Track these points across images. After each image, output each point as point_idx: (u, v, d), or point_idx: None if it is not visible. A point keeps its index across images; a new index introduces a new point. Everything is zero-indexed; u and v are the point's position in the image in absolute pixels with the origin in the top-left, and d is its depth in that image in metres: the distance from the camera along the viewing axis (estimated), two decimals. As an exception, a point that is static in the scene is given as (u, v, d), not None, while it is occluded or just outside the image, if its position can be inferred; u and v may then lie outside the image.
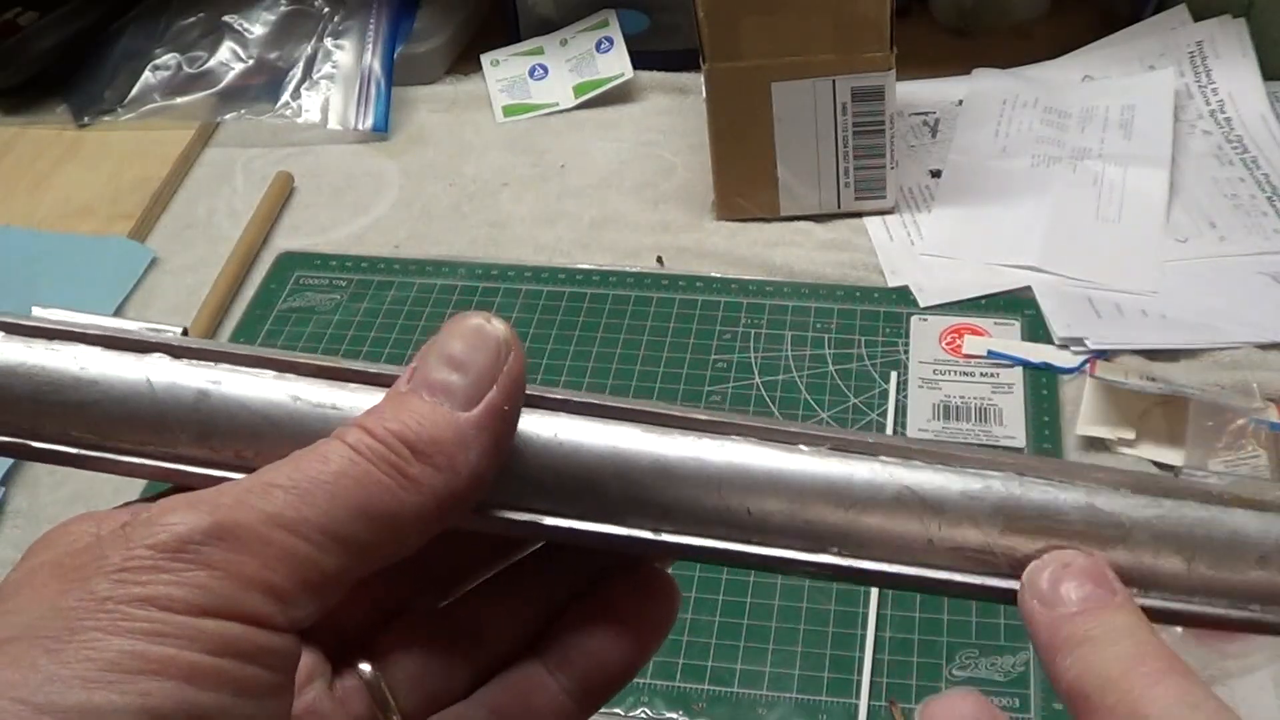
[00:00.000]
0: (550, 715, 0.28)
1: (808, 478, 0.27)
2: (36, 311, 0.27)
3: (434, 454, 0.24)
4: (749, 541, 0.27)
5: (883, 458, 0.27)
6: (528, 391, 0.27)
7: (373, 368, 0.27)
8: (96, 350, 0.26)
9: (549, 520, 0.27)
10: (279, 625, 0.23)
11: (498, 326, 0.26)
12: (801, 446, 0.27)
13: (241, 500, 0.23)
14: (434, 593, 0.29)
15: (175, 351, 0.27)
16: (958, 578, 0.27)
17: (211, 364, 0.27)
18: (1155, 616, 0.26)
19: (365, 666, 0.28)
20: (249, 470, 0.25)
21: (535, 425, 0.27)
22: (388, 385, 0.26)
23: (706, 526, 0.27)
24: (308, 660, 0.28)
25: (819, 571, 0.27)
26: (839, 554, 0.27)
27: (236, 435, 0.26)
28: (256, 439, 0.26)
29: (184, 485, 0.26)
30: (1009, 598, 0.27)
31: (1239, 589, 0.27)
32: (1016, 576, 0.26)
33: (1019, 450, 0.67)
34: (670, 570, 0.30)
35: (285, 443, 0.26)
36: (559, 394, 0.27)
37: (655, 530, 0.27)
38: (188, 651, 0.21)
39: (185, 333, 0.28)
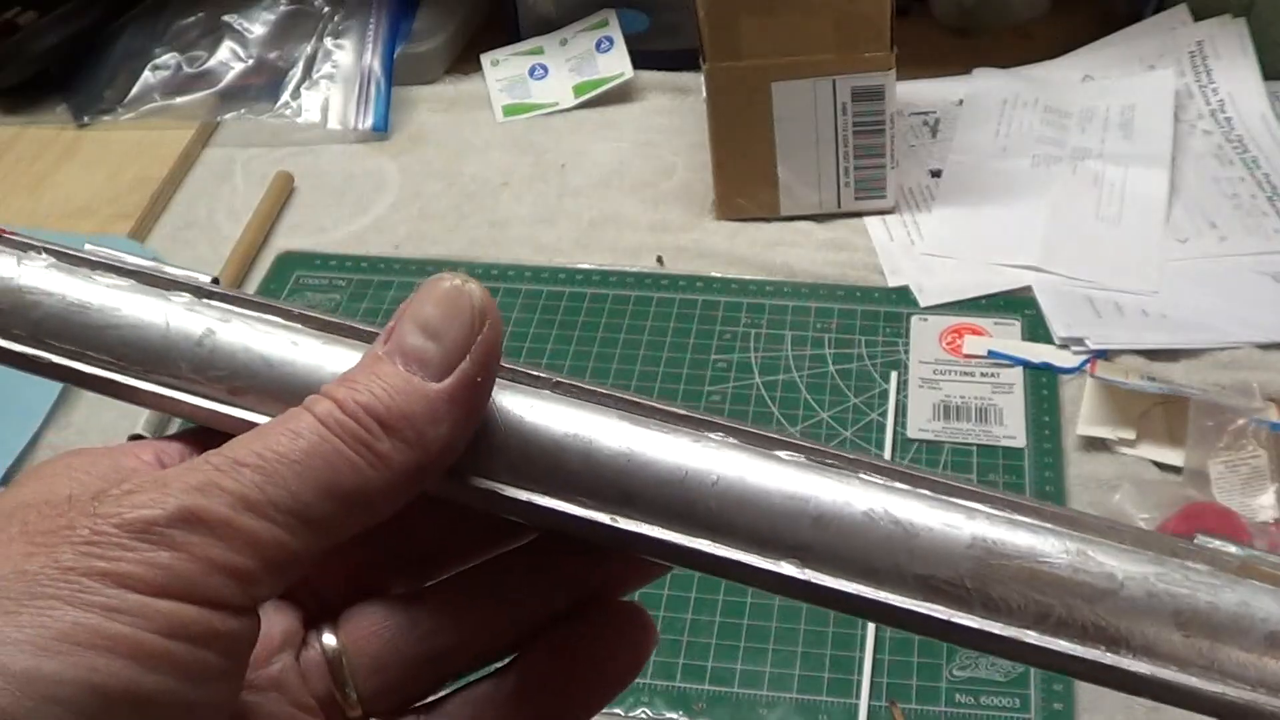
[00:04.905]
0: None
1: (776, 484, 0.26)
2: (88, 246, 0.29)
3: (404, 428, 0.24)
4: (706, 539, 0.26)
5: (862, 475, 0.26)
6: (513, 368, 0.27)
7: (371, 327, 0.28)
8: (129, 282, 0.29)
9: (507, 490, 0.26)
10: (240, 605, 0.23)
11: (473, 291, 0.25)
12: (779, 454, 0.26)
13: (209, 482, 0.23)
14: (412, 574, 0.29)
15: (199, 294, 0.29)
16: (921, 609, 0.25)
17: (227, 306, 0.28)
18: (1140, 687, 0.24)
19: (330, 639, 0.28)
20: (241, 406, 0.27)
21: (509, 399, 0.27)
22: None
23: (665, 519, 0.26)
24: (281, 626, 0.28)
25: (774, 584, 0.26)
26: (799, 566, 0.25)
27: (235, 373, 0.28)
28: (251, 378, 0.28)
29: (181, 416, 0.28)
30: (973, 639, 0.25)
31: (1239, 669, 0.24)
32: (985, 616, 0.25)
33: (1019, 451, 0.67)
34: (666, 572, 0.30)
35: (275, 387, 0.27)
36: (540, 372, 0.27)
37: (613, 517, 0.26)
38: (141, 631, 0.21)
39: (216, 281, 0.29)
